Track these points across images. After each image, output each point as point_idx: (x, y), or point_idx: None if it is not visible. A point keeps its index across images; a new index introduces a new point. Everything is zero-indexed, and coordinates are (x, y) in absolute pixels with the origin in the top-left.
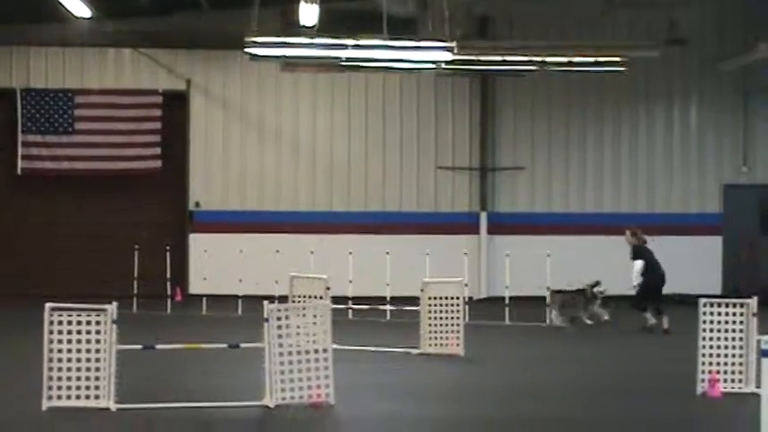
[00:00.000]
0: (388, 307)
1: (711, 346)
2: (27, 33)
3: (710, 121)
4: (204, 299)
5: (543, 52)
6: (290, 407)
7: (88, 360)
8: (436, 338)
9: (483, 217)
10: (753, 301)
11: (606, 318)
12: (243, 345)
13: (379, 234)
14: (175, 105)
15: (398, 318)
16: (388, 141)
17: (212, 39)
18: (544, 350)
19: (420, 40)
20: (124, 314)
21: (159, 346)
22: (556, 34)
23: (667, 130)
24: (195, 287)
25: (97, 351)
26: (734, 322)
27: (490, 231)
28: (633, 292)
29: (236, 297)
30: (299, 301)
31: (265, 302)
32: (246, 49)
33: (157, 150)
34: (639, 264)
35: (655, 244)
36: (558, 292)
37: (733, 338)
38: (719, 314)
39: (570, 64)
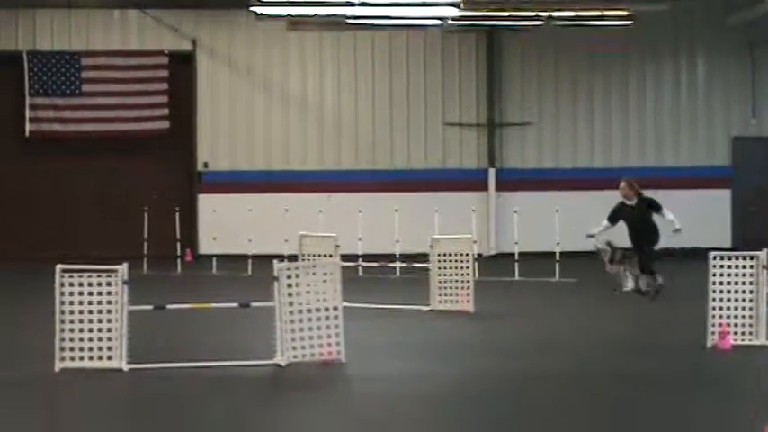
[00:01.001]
0: (397, 264)
1: (721, 299)
2: None
3: (718, 74)
4: (214, 259)
5: (550, 7)
6: (302, 365)
7: (100, 321)
8: (446, 295)
9: (491, 173)
10: (763, 254)
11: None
12: (253, 304)
13: (387, 192)
14: (182, 66)
15: (408, 275)
16: (395, 99)
17: None
18: (553, 306)
19: None
20: (135, 275)
21: (170, 307)
22: None
23: (675, 84)
24: (205, 247)
25: (109, 312)
26: (744, 275)
27: (498, 188)
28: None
29: (246, 257)
30: (308, 260)
31: (275, 261)
32: (252, 8)
33: (165, 111)
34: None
35: (663, 198)
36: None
37: (743, 291)
38: (729, 267)
39: (577, 18)
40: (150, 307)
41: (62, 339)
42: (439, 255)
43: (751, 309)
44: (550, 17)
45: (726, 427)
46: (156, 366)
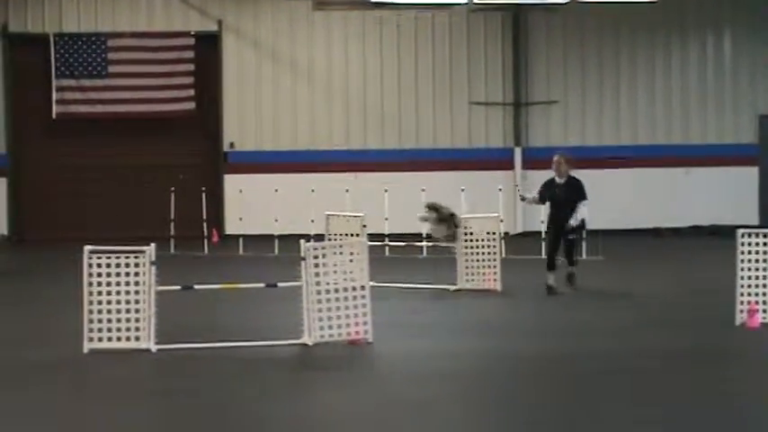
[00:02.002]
0: (424, 243)
1: (750, 277)
2: None
3: (745, 52)
4: (240, 239)
5: None
6: (329, 345)
7: (128, 302)
8: (473, 274)
9: (517, 152)
10: None
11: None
12: (280, 284)
13: (413, 171)
14: (208, 47)
15: (435, 254)
16: (420, 78)
17: None
18: (583, 282)
19: None
20: (162, 256)
21: (198, 287)
22: None
23: (701, 62)
24: (231, 228)
25: (136, 293)
26: None
27: (524, 166)
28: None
29: (273, 237)
30: (335, 240)
31: (302, 241)
32: None
33: (191, 92)
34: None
35: (691, 175)
36: None
37: None
38: (758, 245)
39: None
40: (178, 287)
41: (90, 321)
42: (466, 234)
43: None
44: None
45: (755, 400)
46: (184, 347)
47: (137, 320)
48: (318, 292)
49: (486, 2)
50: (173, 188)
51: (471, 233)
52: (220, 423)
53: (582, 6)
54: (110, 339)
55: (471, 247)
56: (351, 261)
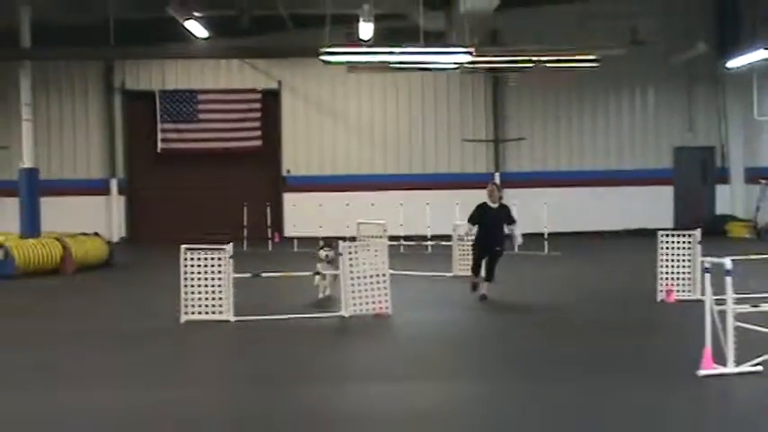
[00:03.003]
0: (429, 243)
1: (667, 265)
2: (163, 50)
3: (664, 101)
4: (295, 240)
5: (538, 54)
6: (360, 316)
7: (213, 285)
8: (464, 264)
9: (497, 176)
10: (697, 233)
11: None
12: (324, 272)
13: (421, 190)
14: (271, 99)
15: (437, 250)
16: (426, 121)
17: (296, 50)
18: (545, 271)
19: (447, 47)
20: (237, 252)
21: (264, 275)
22: (547, 40)
23: (632, 109)
24: (288, 231)
25: (219, 279)
26: (683, 248)
27: (503, 186)
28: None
29: (318, 238)
30: (364, 240)
31: (340, 242)
32: (321, 57)
33: (259, 133)
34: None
35: (622, 192)
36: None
37: (683, 259)
38: (672, 242)
39: (558, 62)
40: (249, 275)
41: (185, 300)
42: (459, 235)
43: (689, 272)
44: (539, 61)
45: (671, 356)
46: (254, 318)
47: (220, 299)
48: (352, 278)
49: (474, 66)
50: (245, 202)
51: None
52: (280, 370)
53: (544, 68)
54: (200, 313)
55: (463, 246)
56: (375, 256)
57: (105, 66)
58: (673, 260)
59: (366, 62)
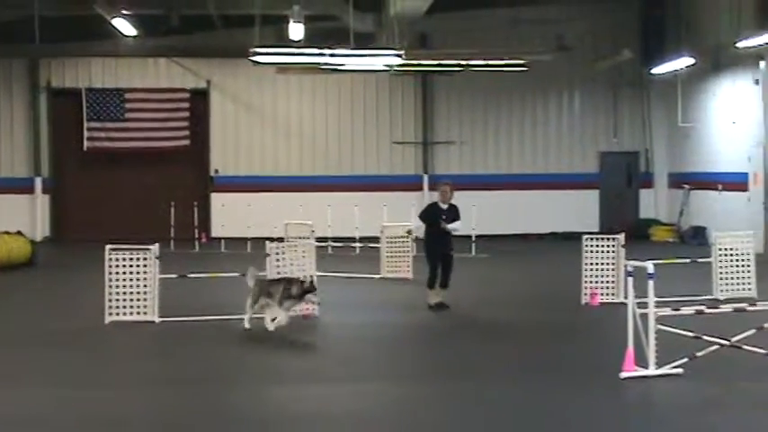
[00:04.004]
0: (357, 244)
1: (591, 269)
2: (89, 48)
3: (590, 107)
4: (222, 240)
5: (467, 57)
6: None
7: (138, 286)
8: (392, 266)
9: (425, 178)
10: (621, 237)
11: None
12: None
13: (349, 192)
14: (199, 99)
15: (365, 252)
16: (355, 123)
17: (226, 50)
18: (473, 273)
19: (377, 49)
20: (164, 252)
21: (190, 275)
22: (476, 44)
23: (559, 113)
24: (216, 232)
25: (144, 279)
26: (607, 251)
27: (430, 188)
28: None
29: (246, 239)
30: (291, 241)
31: (267, 242)
32: (251, 57)
33: (186, 132)
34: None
35: (549, 196)
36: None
37: (607, 263)
38: (597, 246)
39: (487, 66)
40: (175, 275)
41: (110, 300)
42: (387, 237)
43: (613, 276)
44: (468, 65)
45: (595, 358)
46: (180, 319)
47: (145, 300)
48: None
49: (403, 69)
50: (172, 202)
51: (392, 236)
52: (204, 371)
53: (472, 72)
54: (124, 314)
55: (391, 247)
56: (303, 257)
57: (30, 63)
58: (597, 264)
59: (296, 63)
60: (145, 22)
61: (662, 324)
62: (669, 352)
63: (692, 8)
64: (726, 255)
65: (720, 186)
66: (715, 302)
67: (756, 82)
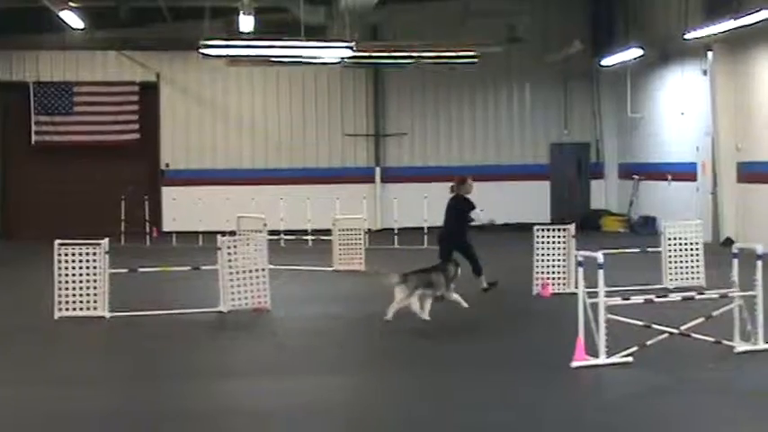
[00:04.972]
0: (309, 237)
1: (543, 259)
2: (36, 41)
3: (540, 98)
4: (174, 235)
5: (418, 50)
6: (239, 312)
7: (88, 281)
8: (344, 259)
9: (377, 170)
10: (571, 227)
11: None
12: (202, 267)
13: (302, 184)
14: (149, 92)
15: (317, 245)
16: (307, 116)
17: (175, 43)
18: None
19: (328, 41)
20: (114, 247)
21: (141, 270)
22: (427, 36)
23: (509, 105)
24: (167, 226)
25: (95, 274)
26: (559, 242)
27: (383, 180)
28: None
29: (198, 233)
30: (243, 235)
31: (219, 236)
32: (201, 50)
33: (136, 126)
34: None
35: (500, 187)
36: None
37: (558, 253)
38: (548, 237)
39: (438, 58)
40: (125, 270)
41: (59, 295)
42: (339, 230)
43: (564, 266)
44: (419, 57)
45: (546, 348)
46: (130, 314)
47: (95, 295)
48: (231, 273)
49: (354, 61)
50: (123, 196)
51: (344, 229)
52: (156, 367)
53: (423, 65)
54: (75, 309)
55: (343, 239)
56: (255, 250)
57: None
58: (548, 254)
59: (246, 56)
60: (93, 14)
61: (612, 313)
62: (619, 341)
63: (641, 0)
64: (675, 244)
65: (670, 177)
66: (665, 291)
67: (704, 73)
